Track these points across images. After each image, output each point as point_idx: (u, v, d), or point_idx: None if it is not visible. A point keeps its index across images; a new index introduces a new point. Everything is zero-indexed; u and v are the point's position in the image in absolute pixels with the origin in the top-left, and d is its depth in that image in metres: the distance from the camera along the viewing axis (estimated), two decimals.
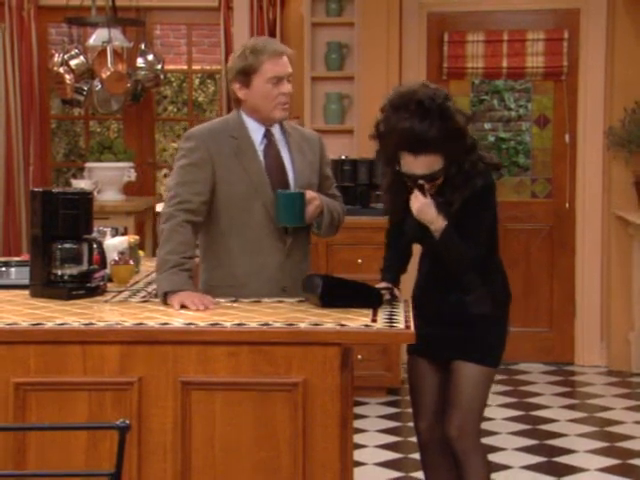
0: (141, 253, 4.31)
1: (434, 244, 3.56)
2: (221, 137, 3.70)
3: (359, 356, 6.00)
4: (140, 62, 7.25)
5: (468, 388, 3.61)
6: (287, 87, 3.68)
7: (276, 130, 3.76)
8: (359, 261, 6.17)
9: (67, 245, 3.59)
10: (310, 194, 3.68)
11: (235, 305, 3.47)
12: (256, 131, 3.73)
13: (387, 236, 3.84)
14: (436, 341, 3.63)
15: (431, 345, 3.63)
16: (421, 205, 3.52)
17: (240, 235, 3.68)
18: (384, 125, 3.53)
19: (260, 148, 3.72)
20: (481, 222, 3.56)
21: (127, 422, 2.27)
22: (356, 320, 3.21)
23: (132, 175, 7.13)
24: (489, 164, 3.60)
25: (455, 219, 3.53)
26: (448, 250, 3.54)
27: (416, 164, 3.48)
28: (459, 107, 3.57)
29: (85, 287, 3.60)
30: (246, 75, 3.65)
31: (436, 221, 3.52)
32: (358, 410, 5.80)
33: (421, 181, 3.50)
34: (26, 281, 3.69)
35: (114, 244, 3.98)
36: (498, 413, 5.92)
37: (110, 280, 3.78)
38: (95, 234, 3.79)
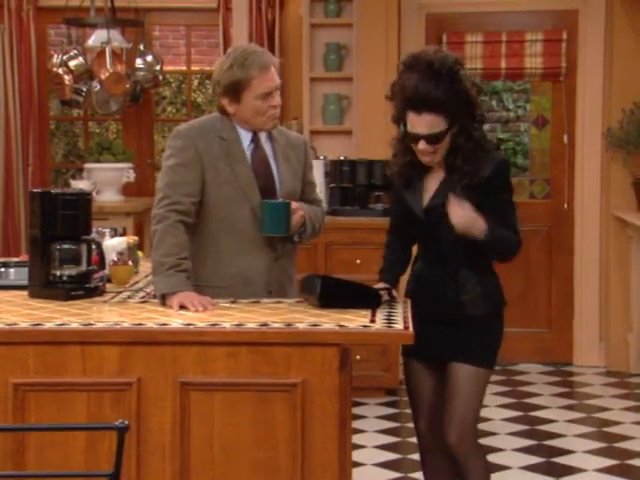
0: (140, 254, 4.31)
1: (480, 242, 3.53)
2: (210, 136, 3.66)
3: (358, 357, 6.00)
4: (139, 63, 7.24)
5: (465, 390, 3.58)
6: (277, 100, 3.64)
7: (262, 135, 3.73)
8: (358, 261, 6.17)
9: (66, 246, 3.59)
10: (294, 204, 3.65)
11: (234, 305, 3.47)
12: (244, 134, 3.70)
13: (387, 236, 3.84)
14: (431, 342, 3.58)
15: (426, 346, 3.57)
16: (463, 215, 3.46)
17: (229, 237, 3.65)
18: (395, 83, 3.57)
19: (248, 151, 3.70)
20: (509, 203, 3.59)
21: (126, 422, 2.27)
22: (355, 321, 3.21)
23: (131, 176, 7.13)
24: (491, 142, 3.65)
25: (478, 195, 3.51)
26: (495, 245, 3.54)
27: (419, 123, 3.50)
28: (471, 76, 3.58)
29: (84, 288, 3.60)
30: (235, 92, 3.61)
31: (478, 224, 3.48)
32: (357, 411, 5.80)
33: (422, 142, 3.50)
34: (25, 282, 3.69)
35: (113, 245, 3.99)
36: (496, 414, 5.92)
37: (109, 281, 3.78)
38: (94, 235, 3.79)
